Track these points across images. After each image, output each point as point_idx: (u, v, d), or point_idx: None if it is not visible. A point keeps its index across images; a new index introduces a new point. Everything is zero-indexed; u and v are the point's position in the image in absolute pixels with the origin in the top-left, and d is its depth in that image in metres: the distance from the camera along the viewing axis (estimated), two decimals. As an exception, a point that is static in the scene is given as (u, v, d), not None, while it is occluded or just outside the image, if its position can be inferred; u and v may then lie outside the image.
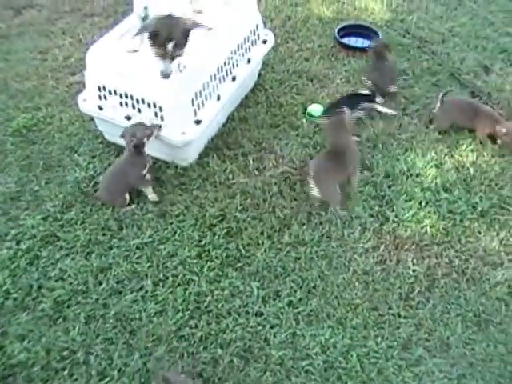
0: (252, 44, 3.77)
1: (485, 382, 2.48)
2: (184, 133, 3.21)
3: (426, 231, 3.04)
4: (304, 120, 3.75)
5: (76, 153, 3.56)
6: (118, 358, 2.55)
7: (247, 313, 2.72)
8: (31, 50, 4.51)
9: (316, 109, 3.79)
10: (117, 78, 3.24)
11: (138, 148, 3.13)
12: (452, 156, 3.49)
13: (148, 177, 3.24)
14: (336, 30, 4.54)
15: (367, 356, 2.53)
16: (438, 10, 5.00)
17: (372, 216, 3.12)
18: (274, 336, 2.62)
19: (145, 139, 3.12)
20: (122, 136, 3.18)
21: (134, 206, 3.21)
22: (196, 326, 2.67)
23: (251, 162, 3.46)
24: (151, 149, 3.40)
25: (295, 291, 2.79)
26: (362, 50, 4.39)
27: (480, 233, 3.07)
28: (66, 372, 2.50)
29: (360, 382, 2.45)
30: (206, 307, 2.74)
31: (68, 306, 2.75)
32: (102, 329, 2.66)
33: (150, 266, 2.91)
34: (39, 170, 3.45)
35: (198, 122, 3.28)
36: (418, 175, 3.33)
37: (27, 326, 2.66)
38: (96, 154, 3.54)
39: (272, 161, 3.47)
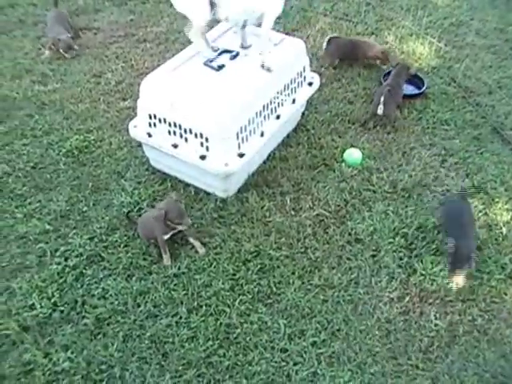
0: (298, 85, 4.17)
1: None
2: (227, 164, 3.61)
3: (452, 287, 3.32)
4: (343, 164, 4.12)
5: (123, 178, 4.01)
6: (151, 377, 2.94)
7: (273, 348, 3.07)
8: (86, 73, 5.05)
9: (353, 155, 4.16)
10: (167, 108, 3.66)
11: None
12: (486, 214, 3.78)
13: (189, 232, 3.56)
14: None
15: (382, 402, 2.86)
16: (488, 58, 5.32)
17: (400, 267, 3.44)
18: (296, 373, 2.96)
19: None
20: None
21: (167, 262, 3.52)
22: (224, 356, 3.03)
23: (288, 201, 3.85)
24: (193, 178, 3.84)
25: (320, 332, 3.14)
26: (406, 96, 4.73)
27: (506, 294, 3.32)
28: (103, 384, 2.91)
29: (372, 428, 2.78)
30: (234, 338, 3.11)
31: (108, 324, 3.16)
32: (137, 348, 3.06)
33: (185, 294, 3.30)
34: (88, 191, 3.91)
35: (241, 156, 3.68)
36: (449, 230, 3.63)
37: (71, 338, 3.08)
38: (141, 181, 3.99)
39: (308, 202, 3.85)
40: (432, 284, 3.34)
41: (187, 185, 3.92)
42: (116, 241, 3.57)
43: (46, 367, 2.95)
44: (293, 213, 3.79)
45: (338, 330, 3.15)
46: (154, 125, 3.78)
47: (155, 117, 3.75)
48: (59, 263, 3.44)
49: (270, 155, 4.18)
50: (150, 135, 3.82)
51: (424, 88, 4.80)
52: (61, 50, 5.12)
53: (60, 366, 2.96)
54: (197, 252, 3.52)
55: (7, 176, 4.01)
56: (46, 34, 5.37)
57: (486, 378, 2.95)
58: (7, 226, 3.63)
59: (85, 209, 3.78)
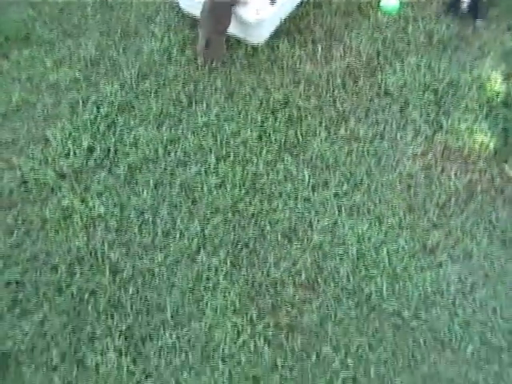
0: None
1: (495, 292, 2.92)
2: (258, 12, 3.56)
3: (476, 146, 3.36)
4: (379, 11, 3.96)
5: (152, 22, 3.95)
6: (181, 222, 3.16)
7: (296, 197, 3.23)
8: None
9: (391, 1, 3.94)
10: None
11: None
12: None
13: None
14: None
15: (396, 253, 3.03)
16: None
17: (427, 122, 3.47)
18: (318, 222, 3.14)
19: None
20: None
21: None
22: (250, 203, 3.22)
23: (319, 49, 3.79)
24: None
25: (342, 184, 3.27)
26: None
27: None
28: (136, 229, 3.14)
29: (385, 274, 2.97)
30: (260, 187, 3.27)
31: (140, 172, 3.34)
32: (168, 195, 3.25)
33: (214, 142, 3.42)
34: (117, 36, 3.89)
35: (272, 2, 3.62)
36: (481, 87, 3.57)
37: (105, 185, 3.28)
38: (171, 26, 3.94)
39: (340, 51, 3.79)
40: (456, 141, 3.38)
41: (217, 31, 3.85)
42: (147, 90, 3.63)
43: (84, 213, 3.18)
44: (323, 62, 3.75)
45: (360, 183, 3.28)
46: (185, -33, 3.66)
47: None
48: (91, 112, 3.53)
49: (302, 1, 4.01)
50: (180, -22, 3.71)
51: None
52: None
53: (96, 211, 3.18)
54: None
55: (33, 20, 3.98)
56: None
57: (496, 234, 3.11)
58: (38, 73, 3.68)
59: (114, 55, 3.80)
